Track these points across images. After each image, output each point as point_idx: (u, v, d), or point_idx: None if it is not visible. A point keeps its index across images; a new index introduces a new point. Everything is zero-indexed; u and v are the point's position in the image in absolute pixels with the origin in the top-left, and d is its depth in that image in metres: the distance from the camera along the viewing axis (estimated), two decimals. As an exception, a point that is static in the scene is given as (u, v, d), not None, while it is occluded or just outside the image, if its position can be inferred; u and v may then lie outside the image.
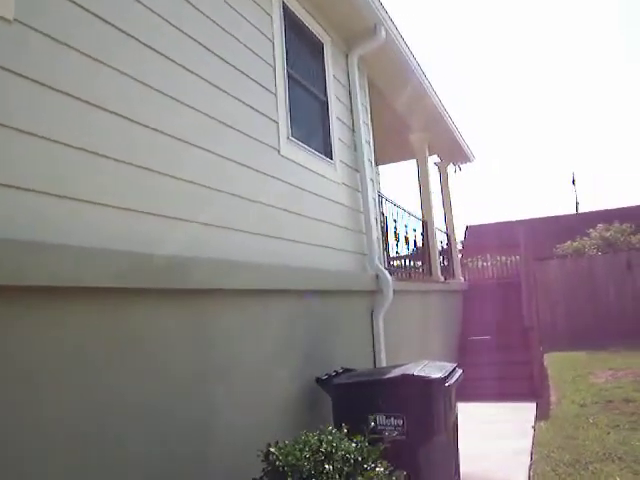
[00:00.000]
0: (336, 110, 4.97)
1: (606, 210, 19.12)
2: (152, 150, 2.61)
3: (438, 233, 9.52)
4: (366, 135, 5.51)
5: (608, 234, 14.80)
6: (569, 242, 15.19)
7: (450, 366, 3.38)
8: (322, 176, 4.53)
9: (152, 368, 2.36)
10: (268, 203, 3.64)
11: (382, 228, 6.16)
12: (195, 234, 2.83)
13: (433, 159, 10.41)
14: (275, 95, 3.91)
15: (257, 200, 3.48)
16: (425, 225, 8.39)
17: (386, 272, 4.92)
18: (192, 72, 2.98)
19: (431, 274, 8.26)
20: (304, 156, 4.24)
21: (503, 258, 11.37)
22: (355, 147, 5.26)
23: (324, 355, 3.97)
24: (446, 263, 9.41)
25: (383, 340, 4.86)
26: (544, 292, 13.01)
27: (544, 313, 12.64)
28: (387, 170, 12.55)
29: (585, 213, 19.85)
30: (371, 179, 5.43)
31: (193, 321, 2.66)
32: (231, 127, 3.29)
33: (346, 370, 3.85)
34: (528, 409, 6.46)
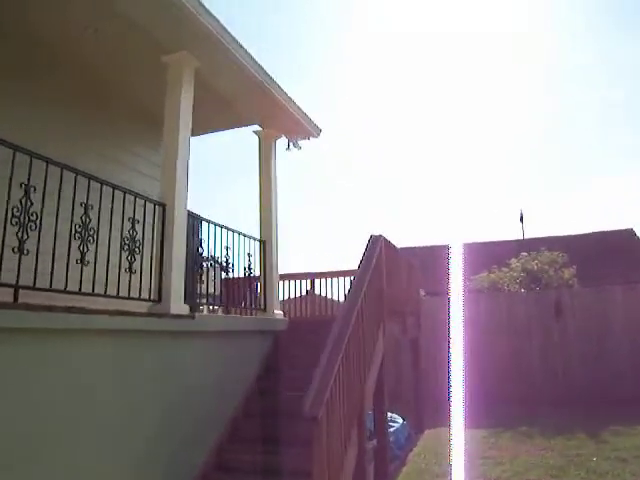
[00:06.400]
0: None
1: (547, 237, 15.79)
2: None
3: (216, 233, 5.74)
4: None
5: (534, 265, 11.24)
6: (485, 273, 11.58)
7: None
8: None
9: None
10: None
11: None
12: None
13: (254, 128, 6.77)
14: None
15: None
16: (164, 212, 4.60)
17: None
18: None
19: (160, 299, 4.41)
20: None
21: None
22: None
23: None
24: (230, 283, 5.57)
25: None
26: (444, 339, 9.32)
27: (441, 369, 8.92)
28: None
29: (521, 240, 16.48)
30: None
31: None
32: None
33: None
34: None
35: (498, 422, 7.71)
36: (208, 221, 5.27)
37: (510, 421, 7.73)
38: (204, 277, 5.42)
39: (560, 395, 9.06)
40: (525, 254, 11.54)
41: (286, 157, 7.07)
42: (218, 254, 5.52)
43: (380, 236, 6.16)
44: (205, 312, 6.85)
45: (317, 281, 9.19)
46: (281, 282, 9.15)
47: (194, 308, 4.86)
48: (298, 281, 9.18)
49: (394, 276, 6.91)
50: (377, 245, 5.98)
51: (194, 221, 5.17)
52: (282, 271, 9.31)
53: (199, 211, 5.30)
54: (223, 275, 5.53)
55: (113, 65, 5.47)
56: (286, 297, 9.06)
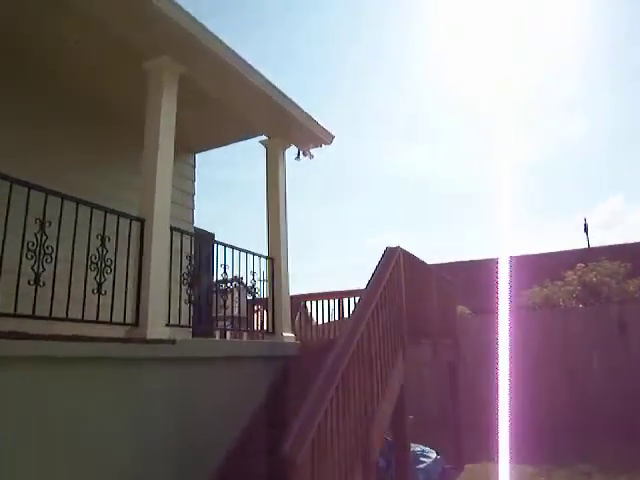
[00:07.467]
0: None
1: (610, 246, 14.35)
2: None
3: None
4: None
5: (592, 277, 10.09)
6: (537, 288, 10.53)
7: None
8: None
9: None
10: None
11: None
12: None
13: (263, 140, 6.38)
14: None
15: None
16: (143, 225, 4.24)
17: None
18: None
19: (137, 323, 4.03)
20: None
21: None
22: None
23: None
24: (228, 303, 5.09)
25: None
26: (489, 362, 8.42)
27: (485, 396, 8.02)
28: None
29: (581, 250, 15.01)
30: None
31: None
32: None
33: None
34: None
35: (551, 457, 6.75)
36: (215, 242, 4.88)
37: (565, 456, 6.75)
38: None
39: (626, 425, 7.89)
40: (582, 265, 10.43)
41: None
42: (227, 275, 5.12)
43: (397, 247, 5.54)
44: (228, 337, 6.46)
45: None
46: (313, 303, 8.71)
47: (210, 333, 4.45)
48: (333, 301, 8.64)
49: (419, 293, 6.22)
50: (393, 258, 5.36)
51: (181, 236, 4.77)
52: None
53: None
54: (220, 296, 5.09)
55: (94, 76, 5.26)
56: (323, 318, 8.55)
